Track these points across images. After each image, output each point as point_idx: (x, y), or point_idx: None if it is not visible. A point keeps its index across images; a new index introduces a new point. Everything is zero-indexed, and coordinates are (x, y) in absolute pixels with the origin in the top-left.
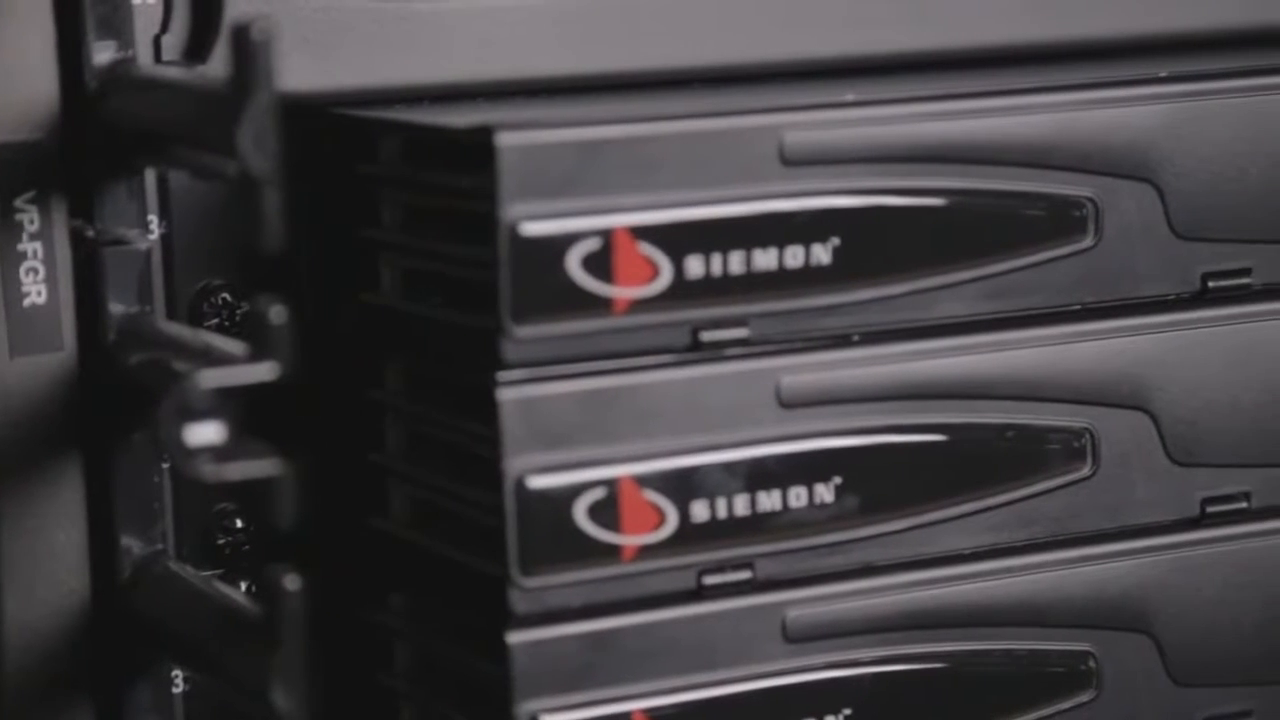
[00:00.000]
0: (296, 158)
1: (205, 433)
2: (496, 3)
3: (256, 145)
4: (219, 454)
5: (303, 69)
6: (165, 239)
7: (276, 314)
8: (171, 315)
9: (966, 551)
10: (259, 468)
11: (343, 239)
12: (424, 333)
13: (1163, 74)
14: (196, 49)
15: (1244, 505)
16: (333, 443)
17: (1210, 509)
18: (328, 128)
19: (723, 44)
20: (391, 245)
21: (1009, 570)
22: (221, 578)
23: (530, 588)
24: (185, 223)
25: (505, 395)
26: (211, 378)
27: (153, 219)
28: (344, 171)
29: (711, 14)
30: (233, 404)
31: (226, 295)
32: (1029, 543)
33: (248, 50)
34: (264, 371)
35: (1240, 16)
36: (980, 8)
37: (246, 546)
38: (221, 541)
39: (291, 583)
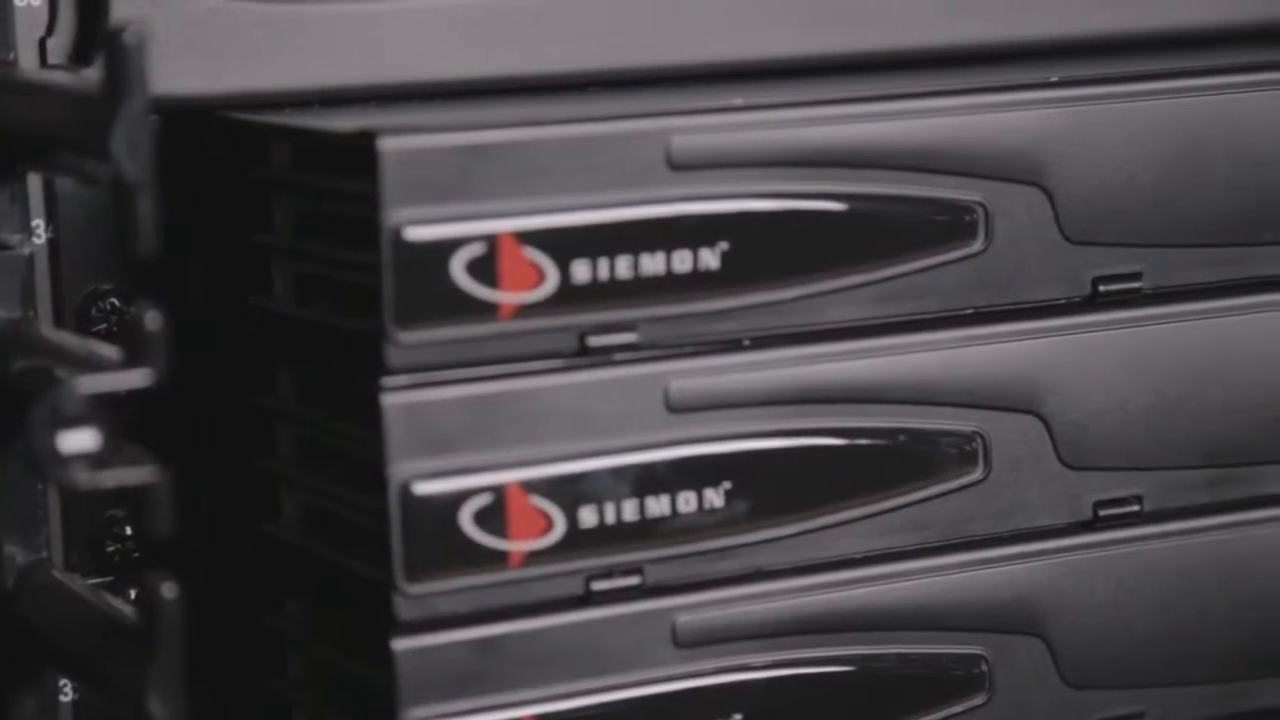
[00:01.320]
0: (188, 162)
1: (79, 439)
2: (388, 6)
3: (129, 150)
4: (94, 461)
5: (193, 72)
6: (52, 244)
7: (152, 319)
8: (59, 321)
9: (858, 556)
10: (134, 475)
11: (235, 243)
12: (313, 338)
13: (1053, 78)
14: (82, 52)
15: (1136, 508)
16: (226, 448)
17: (1102, 512)
18: (219, 131)
19: (616, 48)
20: (282, 250)
21: (901, 574)
22: (111, 585)
23: (416, 594)
24: (72, 227)
25: (389, 401)
26: (85, 384)
27: (39, 224)
28: (235, 176)
29: (605, 18)
30: (108, 410)
31: (115, 300)
32: (921, 547)
33: (120, 54)
34: (139, 378)
35: (1157, 18)
36: (878, 11)
37: (137, 554)
38: (111, 549)
39: (169, 591)
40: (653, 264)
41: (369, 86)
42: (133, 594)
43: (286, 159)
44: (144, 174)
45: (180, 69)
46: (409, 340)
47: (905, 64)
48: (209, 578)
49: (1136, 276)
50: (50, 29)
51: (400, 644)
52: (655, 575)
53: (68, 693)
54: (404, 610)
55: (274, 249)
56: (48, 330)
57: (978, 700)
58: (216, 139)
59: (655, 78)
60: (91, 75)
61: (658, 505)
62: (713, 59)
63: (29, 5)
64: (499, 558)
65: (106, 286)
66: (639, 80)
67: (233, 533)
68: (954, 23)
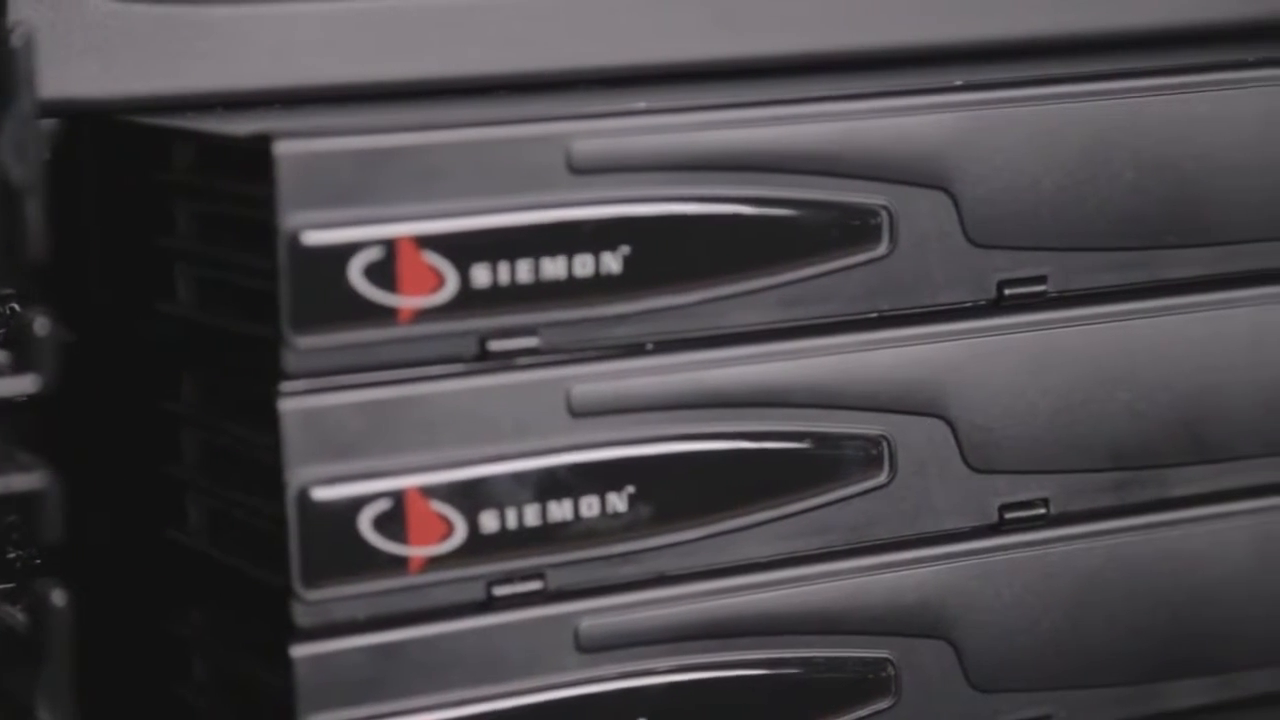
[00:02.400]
0: (90, 166)
1: None
2: (292, 10)
3: (16, 153)
4: None
5: (94, 75)
6: None
7: (40, 326)
8: None
9: (762, 560)
10: (22, 481)
11: (138, 248)
12: (215, 343)
13: (957, 82)
14: None
15: (1042, 511)
16: (131, 454)
17: (1008, 515)
18: (120, 135)
19: (523, 51)
20: (184, 254)
21: (805, 578)
22: (12, 593)
23: (314, 600)
24: None
25: (287, 406)
26: None
27: None
28: (138, 179)
29: (511, 22)
30: None
31: (15, 305)
32: (825, 551)
33: (5, 57)
34: (26, 384)
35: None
36: (786, 15)
37: (39, 560)
38: (12, 555)
39: (58, 598)
40: (554, 268)
41: (273, 90)
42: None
43: (187, 162)
44: (32, 177)
45: (81, 72)
46: (307, 345)
47: (816, 68)
48: (113, 584)
49: (1041, 280)
50: None
51: (298, 650)
52: (557, 580)
53: None
54: (302, 616)
55: (176, 253)
56: None
57: (884, 704)
58: (118, 142)
59: (565, 81)
60: None
61: (560, 510)
62: (621, 62)
63: None
64: (398, 563)
65: (7, 290)
66: (548, 84)
67: (138, 539)
68: (869, 26)
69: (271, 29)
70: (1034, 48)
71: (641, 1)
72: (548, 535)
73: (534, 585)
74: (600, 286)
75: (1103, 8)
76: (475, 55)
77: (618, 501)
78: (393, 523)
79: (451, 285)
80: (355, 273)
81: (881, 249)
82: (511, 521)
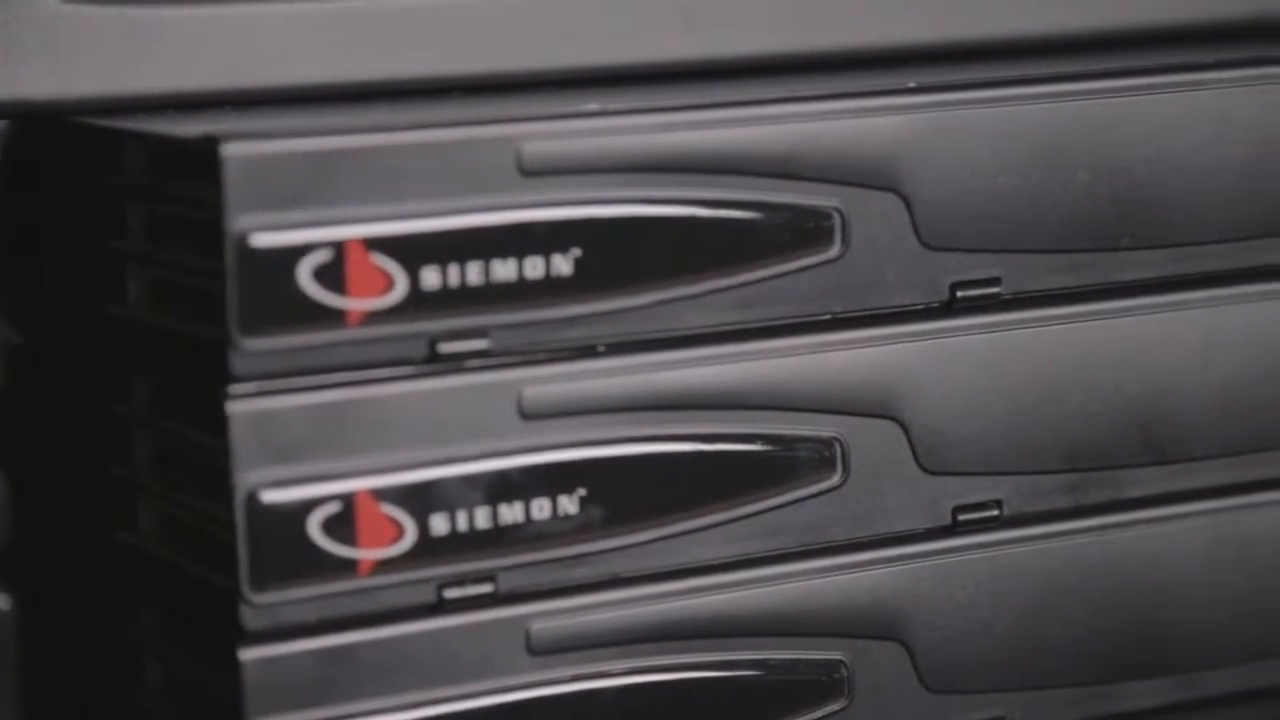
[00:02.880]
0: (41, 167)
1: None
2: (245, 11)
3: None
4: None
5: (45, 77)
6: None
7: None
8: None
9: (715, 562)
10: None
11: (89, 249)
12: (165, 345)
13: (911, 84)
14: None
15: (995, 513)
16: (83, 456)
17: (961, 517)
18: (72, 136)
19: (479, 53)
20: (136, 257)
21: (758, 580)
22: None
23: (263, 603)
24: None
25: (235, 408)
26: None
27: None
28: (90, 181)
29: (467, 24)
30: None
31: None
32: (779, 552)
33: None
34: None
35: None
36: (743, 17)
37: None
38: None
39: (2, 601)
40: (505, 270)
41: (225, 91)
42: None
43: (138, 164)
44: None
45: (32, 73)
46: (255, 348)
47: (778, 69)
48: (63, 587)
49: (995, 282)
50: None
51: (247, 653)
52: (509, 583)
53: None
54: (251, 620)
55: (127, 255)
56: None
57: (837, 705)
58: (69, 144)
59: (521, 82)
60: None
61: (510, 513)
62: (580, 64)
63: None
64: (348, 566)
65: None
66: (504, 85)
67: (88, 541)
68: (833, 26)
69: (224, 30)
70: (1001, 49)
71: (600, 2)
72: (499, 538)
73: (485, 588)
74: (551, 288)
75: (1070, 8)
76: (429, 57)
77: (569, 504)
78: (342, 526)
79: (401, 287)
80: (304, 275)
81: (834, 251)
82: (462, 524)
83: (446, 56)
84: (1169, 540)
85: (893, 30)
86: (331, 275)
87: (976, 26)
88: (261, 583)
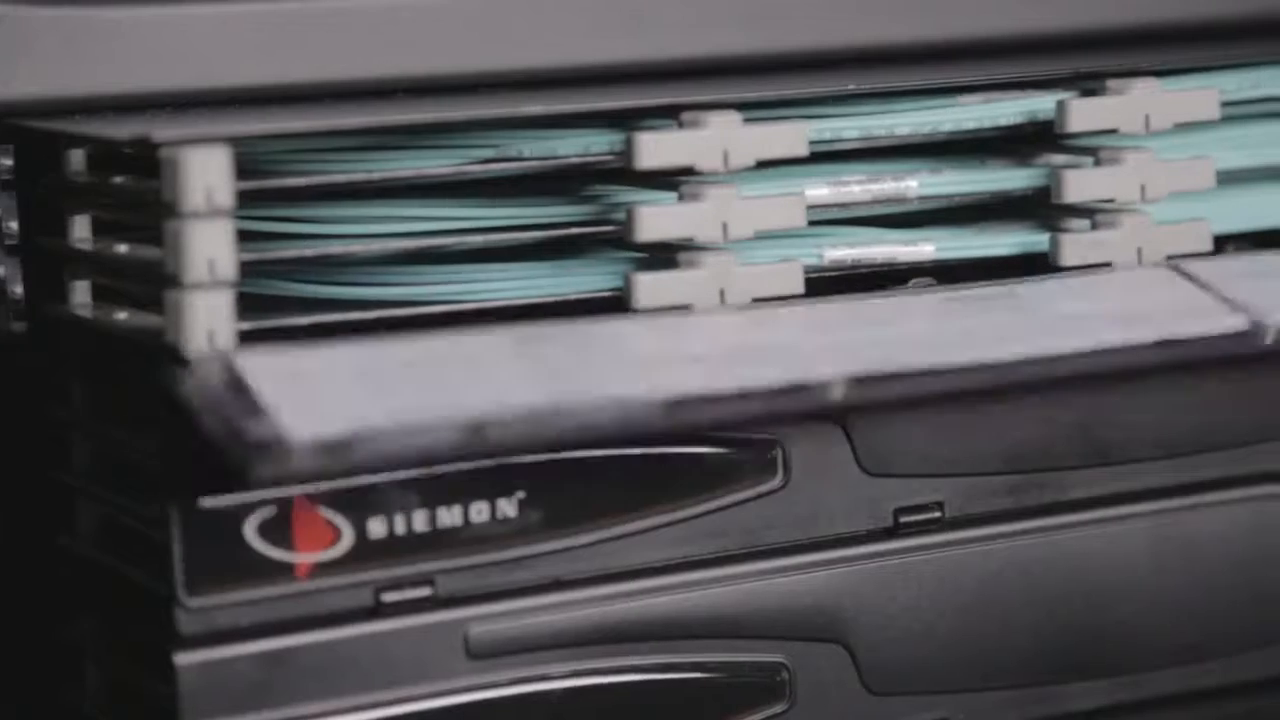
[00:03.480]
0: None
1: None
2: (183, 12)
3: None
4: None
5: None
6: None
7: None
8: None
9: (657, 565)
10: None
11: (29, 251)
12: (107, 349)
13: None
14: None
15: (937, 515)
16: (21, 460)
17: (903, 519)
18: (14, 138)
19: (414, 54)
20: (77, 256)
21: (699, 583)
22: None
23: (197, 607)
24: None
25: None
26: None
27: None
28: (33, 183)
29: (403, 25)
30: None
31: None
32: (720, 555)
33: None
34: None
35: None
36: (679, 20)
37: None
38: None
39: None
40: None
41: (167, 92)
42: None
43: (81, 166)
44: None
45: None
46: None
47: (705, 71)
48: (3, 591)
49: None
50: None
51: (182, 658)
52: (448, 586)
53: None
54: (186, 624)
55: (69, 255)
56: None
57: (778, 708)
58: (11, 146)
59: (457, 84)
60: None
61: (449, 515)
62: (517, 66)
63: None
64: (285, 570)
65: None
66: (439, 87)
67: (28, 545)
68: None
69: (162, 32)
70: (1000, 47)
71: (539, 4)
72: (437, 541)
73: (423, 591)
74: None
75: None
76: (367, 58)
77: (508, 507)
78: (279, 529)
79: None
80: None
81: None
82: (400, 527)
83: (385, 57)
84: (1111, 541)
85: (837, 32)
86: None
87: (963, 26)
88: (197, 587)
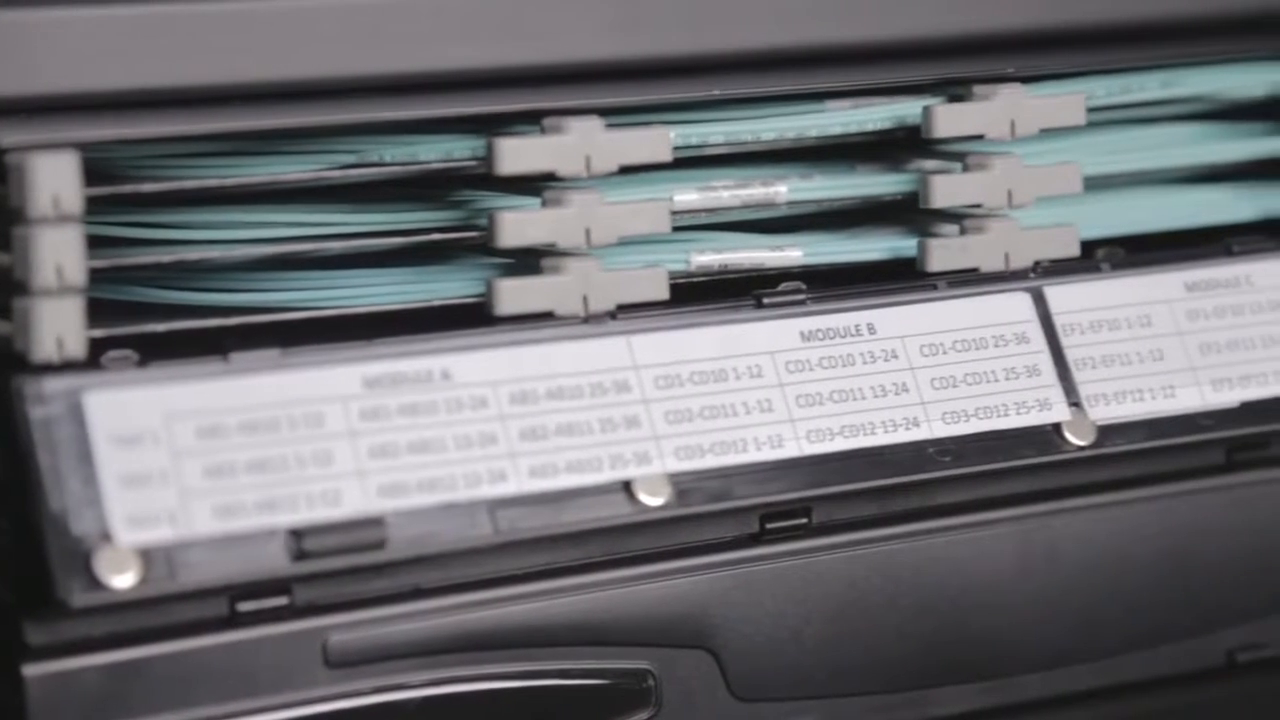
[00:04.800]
0: None
1: None
2: (40, 16)
3: None
4: None
5: None
6: None
7: None
8: None
9: (518, 572)
10: None
11: None
12: None
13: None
14: None
15: (803, 521)
16: None
17: (769, 525)
18: None
19: (274, 59)
20: None
21: (562, 590)
22: None
23: (45, 618)
24: None
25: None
26: None
27: None
28: None
29: (264, 29)
30: None
31: None
32: (584, 562)
33: None
34: None
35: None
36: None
37: None
38: None
39: None
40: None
41: (18, 98)
42: None
43: None
44: None
45: None
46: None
47: (569, 77)
48: None
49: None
50: None
51: (31, 669)
52: (305, 595)
53: None
54: (34, 635)
55: None
56: None
57: (644, 715)
58: None
59: (340, 89)
60: None
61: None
62: (412, 69)
63: None
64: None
65: None
66: (325, 91)
67: None
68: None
69: (23, 35)
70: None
71: (401, 8)
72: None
73: (280, 600)
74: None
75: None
76: (225, 62)
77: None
78: None
79: None
80: None
81: None
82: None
83: (245, 62)
84: (977, 546)
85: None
86: None
87: (830, 32)
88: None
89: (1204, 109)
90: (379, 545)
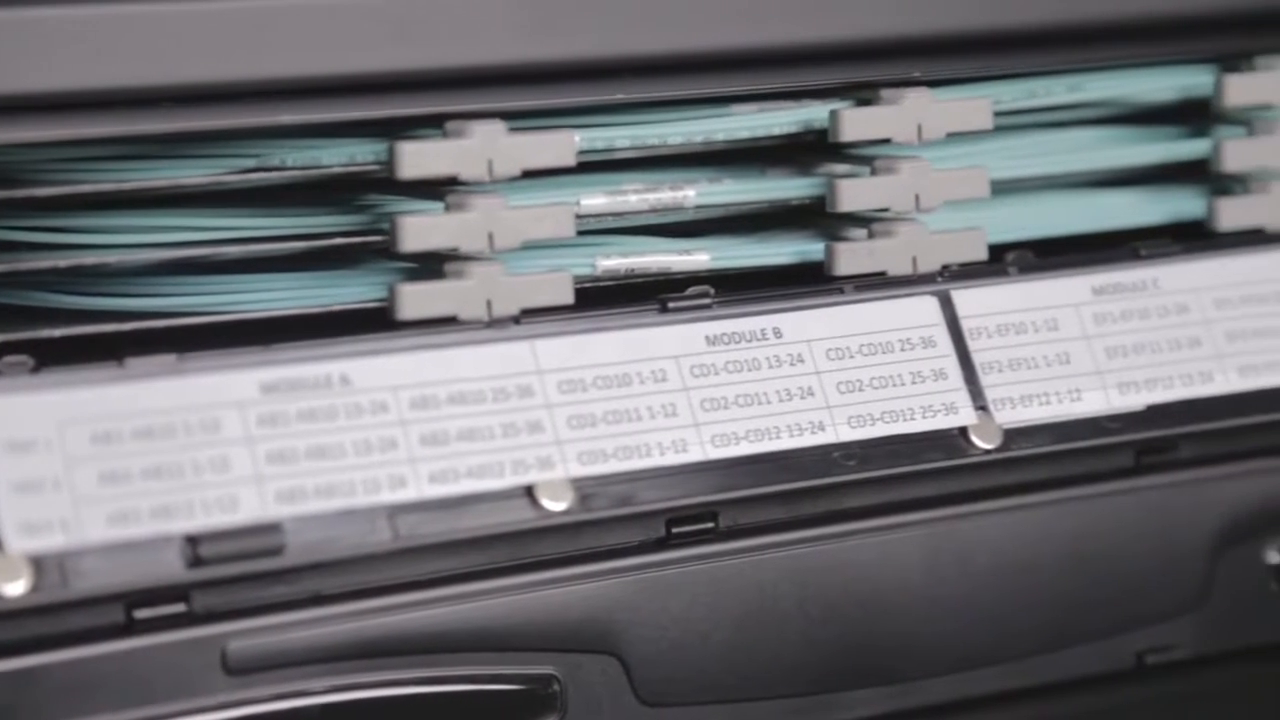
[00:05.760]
0: None
1: None
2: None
3: None
4: None
5: None
6: None
7: None
8: None
9: (420, 579)
10: None
11: None
12: None
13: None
14: None
15: (710, 525)
16: None
17: (675, 530)
18: None
19: (175, 62)
20: None
21: (466, 596)
22: None
23: None
24: None
25: None
26: None
27: None
28: None
29: (164, 32)
30: None
31: None
32: (488, 567)
33: None
34: None
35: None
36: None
37: None
38: None
39: None
40: None
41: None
42: None
43: None
44: None
45: None
46: None
47: (474, 81)
48: None
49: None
50: None
51: None
52: (203, 602)
53: None
54: None
55: None
56: None
57: None
58: None
59: (220, 93)
60: None
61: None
62: (285, 74)
63: None
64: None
65: None
66: (199, 96)
67: None
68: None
69: None
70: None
71: (303, 12)
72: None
73: (178, 607)
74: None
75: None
76: (124, 65)
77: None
78: None
79: None
80: None
81: None
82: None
83: (146, 65)
84: (885, 550)
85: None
86: None
87: (738, 35)
88: None
89: (1111, 113)
90: (276, 551)
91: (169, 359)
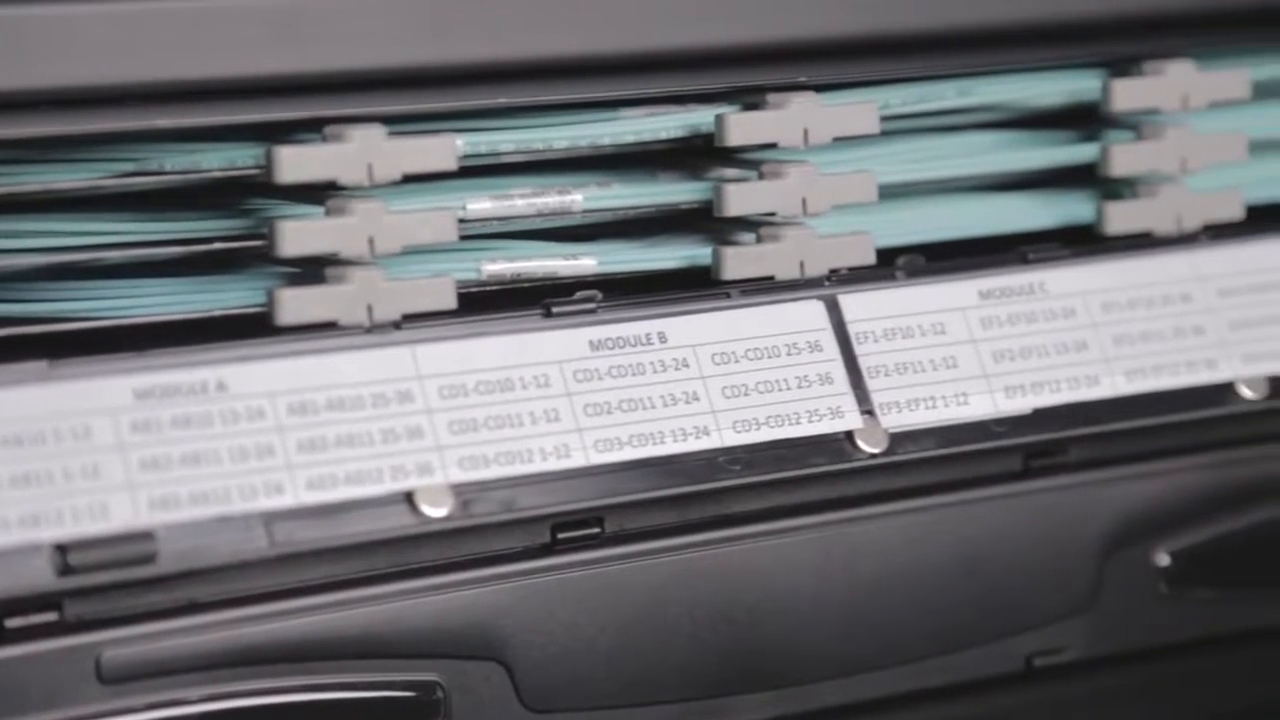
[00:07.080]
0: None
1: None
2: None
3: None
4: None
5: None
6: None
7: None
8: None
9: (299, 585)
10: None
11: None
12: None
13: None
14: None
15: (596, 531)
16: None
17: (561, 535)
18: None
19: (52, 65)
20: None
21: (345, 603)
22: None
23: None
24: None
25: None
26: None
27: None
28: None
29: (41, 35)
30: None
31: None
32: (369, 574)
33: None
34: None
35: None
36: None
37: None
38: None
39: None
40: None
41: None
42: None
43: None
44: None
45: None
46: None
47: (354, 85)
48: None
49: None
50: None
51: None
52: (76, 610)
53: None
54: None
55: None
56: None
57: None
58: None
59: (98, 96)
60: None
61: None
62: (164, 77)
63: None
64: None
65: None
66: (76, 99)
67: None
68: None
69: None
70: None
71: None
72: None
73: (50, 616)
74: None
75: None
76: (20, 68)
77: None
78: None
79: None
80: None
81: None
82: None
83: (21, 68)
84: (773, 554)
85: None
86: None
87: (625, 40)
88: None
89: (1001, 117)
90: (149, 559)
91: (40, 365)
